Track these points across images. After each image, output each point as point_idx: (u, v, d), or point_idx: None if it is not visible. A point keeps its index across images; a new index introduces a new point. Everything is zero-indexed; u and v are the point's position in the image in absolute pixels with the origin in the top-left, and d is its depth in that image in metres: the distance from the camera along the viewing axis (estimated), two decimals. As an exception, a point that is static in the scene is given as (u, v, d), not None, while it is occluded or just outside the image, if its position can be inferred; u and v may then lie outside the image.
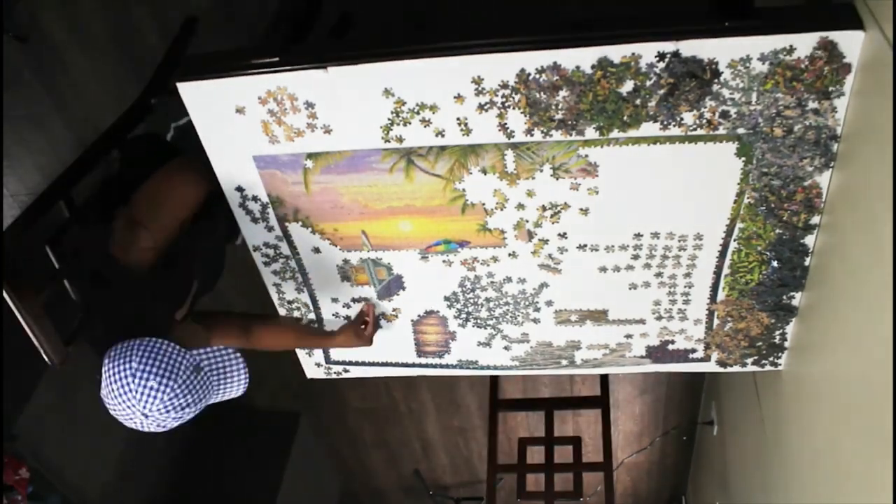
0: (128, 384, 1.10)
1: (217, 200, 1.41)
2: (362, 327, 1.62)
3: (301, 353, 1.81)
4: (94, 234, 1.28)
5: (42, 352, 1.47)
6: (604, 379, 2.89)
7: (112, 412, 1.14)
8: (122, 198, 1.29)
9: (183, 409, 1.13)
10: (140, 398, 1.09)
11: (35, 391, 2.59)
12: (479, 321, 1.64)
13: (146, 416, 1.11)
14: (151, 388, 1.09)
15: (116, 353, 1.13)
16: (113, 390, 1.11)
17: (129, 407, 1.11)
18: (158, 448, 3.43)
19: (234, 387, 1.26)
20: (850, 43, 1.05)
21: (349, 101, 1.22)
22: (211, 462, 3.50)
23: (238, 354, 1.24)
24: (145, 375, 1.10)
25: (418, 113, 1.22)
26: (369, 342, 1.64)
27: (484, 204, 1.36)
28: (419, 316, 1.66)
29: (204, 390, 1.17)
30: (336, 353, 1.79)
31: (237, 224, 1.48)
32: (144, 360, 1.10)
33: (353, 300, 1.63)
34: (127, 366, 1.10)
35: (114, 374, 1.11)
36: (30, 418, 2.57)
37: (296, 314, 1.69)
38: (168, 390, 1.10)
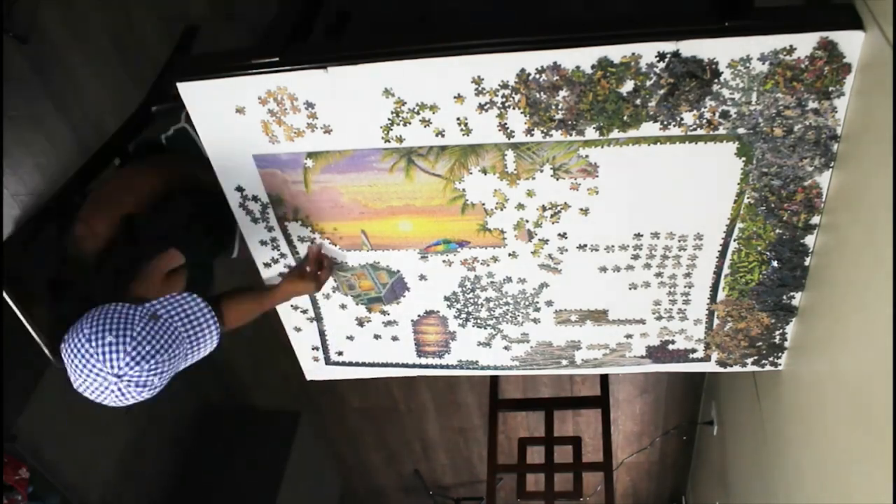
0: (86, 351, 1.04)
1: (185, 197, 1.40)
2: (307, 269, 1.51)
3: (301, 354, 1.81)
4: (52, 238, 1.29)
5: (48, 354, 1.47)
6: (604, 379, 2.89)
7: (90, 395, 1.08)
8: None
9: (153, 357, 1.06)
10: (104, 359, 1.04)
11: (35, 391, 2.59)
12: (479, 321, 1.64)
13: (120, 377, 1.04)
14: (110, 344, 1.04)
15: (67, 335, 1.08)
16: (77, 367, 1.05)
17: (97, 375, 1.05)
18: (158, 448, 3.43)
19: (206, 335, 1.17)
20: (850, 43, 1.05)
21: (349, 101, 1.22)
22: (211, 462, 3.51)
23: (197, 298, 1.16)
24: (99, 334, 1.04)
25: (418, 113, 1.22)
26: (316, 286, 1.52)
27: (484, 204, 1.36)
28: (419, 316, 1.66)
29: (169, 337, 1.10)
30: (336, 354, 1.79)
31: (230, 237, 1.48)
32: (93, 323, 1.05)
33: (353, 297, 1.64)
34: (79, 335, 1.05)
35: (71, 351, 1.06)
36: (30, 418, 2.57)
37: (297, 313, 1.69)
38: (128, 339, 1.04)
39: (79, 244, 1.22)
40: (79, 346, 1.05)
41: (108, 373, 1.04)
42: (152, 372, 1.07)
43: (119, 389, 1.06)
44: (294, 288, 1.53)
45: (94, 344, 1.04)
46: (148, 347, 1.06)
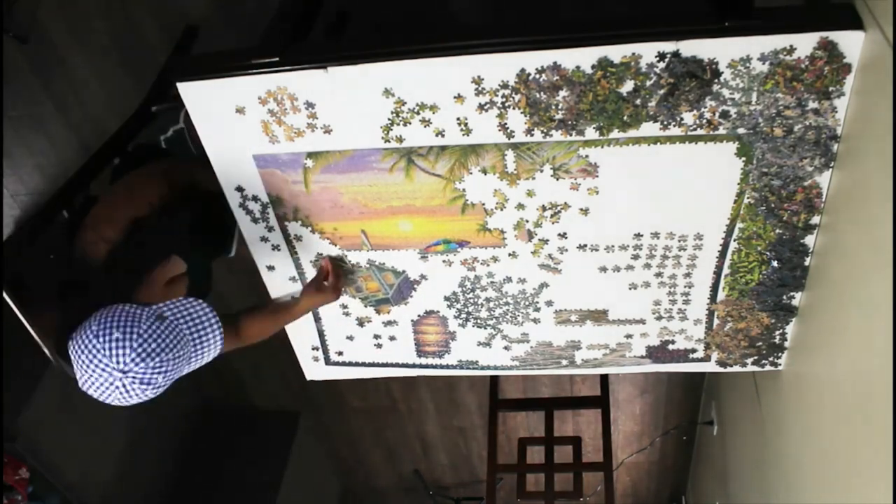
0: (93, 346, 1.07)
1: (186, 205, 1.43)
2: (325, 282, 1.56)
3: (301, 354, 1.81)
4: (61, 241, 1.31)
5: (55, 362, 1.48)
6: (604, 379, 2.89)
7: (95, 393, 1.11)
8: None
9: (157, 355, 1.09)
10: (110, 354, 1.06)
11: (35, 391, 2.59)
12: (479, 321, 1.64)
13: (125, 373, 1.07)
14: (117, 340, 1.07)
15: (76, 332, 1.11)
16: (83, 363, 1.08)
17: (103, 371, 1.07)
18: (158, 448, 3.43)
19: (210, 339, 1.19)
20: (850, 43, 1.05)
21: (349, 101, 1.22)
22: (211, 462, 3.50)
23: (203, 303, 1.19)
24: (107, 330, 1.07)
25: (418, 113, 1.22)
26: (335, 294, 1.57)
27: (484, 204, 1.36)
28: (419, 316, 1.66)
29: (174, 338, 1.12)
30: (335, 354, 1.79)
31: (229, 237, 1.49)
32: (102, 321, 1.08)
33: (361, 299, 1.63)
34: (87, 332, 1.08)
35: (78, 347, 1.09)
36: (30, 418, 2.57)
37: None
38: (135, 335, 1.07)
39: (88, 249, 1.24)
40: (86, 342, 1.08)
41: (113, 368, 1.07)
42: (157, 370, 1.09)
43: (123, 386, 1.08)
44: (313, 301, 1.58)
45: (101, 339, 1.07)
46: (153, 345, 1.08)
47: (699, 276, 1.46)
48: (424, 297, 1.60)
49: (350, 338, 1.73)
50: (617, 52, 1.11)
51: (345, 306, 1.66)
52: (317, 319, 1.69)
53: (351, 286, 1.59)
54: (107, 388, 1.09)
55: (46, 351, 1.47)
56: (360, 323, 1.69)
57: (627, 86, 1.14)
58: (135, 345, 1.07)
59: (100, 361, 1.07)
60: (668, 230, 1.38)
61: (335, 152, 1.30)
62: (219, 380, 3.61)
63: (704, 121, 1.17)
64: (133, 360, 1.07)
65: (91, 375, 1.08)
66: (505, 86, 1.17)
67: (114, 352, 1.07)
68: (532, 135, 1.23)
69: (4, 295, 1.37)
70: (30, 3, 2.04)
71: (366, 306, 1.64)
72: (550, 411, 2.89)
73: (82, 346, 1.08)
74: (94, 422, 2.91)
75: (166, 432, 3.47)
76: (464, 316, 1.63)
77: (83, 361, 1.08)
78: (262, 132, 1.28)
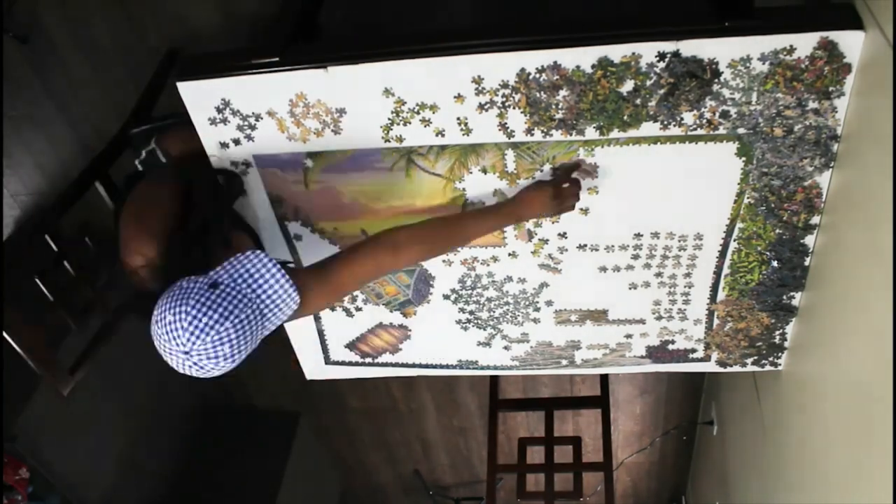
0: (155, 333, 1.06)
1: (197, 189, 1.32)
2: (565, 185, 1.27)
3: (301, 355, 1.81)
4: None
5: (49, 383, 1.49)
6: (604, 379, 2.89)
7: (184, 371, 1.09)
8: None
9: (212, 328, 1.03)
10: (170, 338, 1.04)
11: (35, 391, 2.59)
12: (479, 321, 1.64)
13: (188, 354, 1.04)
14: (170, 323, 1.03)
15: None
16: (158, 349, 1.08)
17: (171, 354, 1.06)
18: (158, 448, 3.43)
19: (276, 290, 1.10)
20: (850, 43, 1.05)
21: (349, 100, 1.22)
22: (211, 462, 3.50)
23: (260, 254, 1.10)
24: (162, 314, 1.05)
25: (418, 113, 1.22)
26: (574, 201, 1.29)
27: (484, 203, 1.36)
28: (419, 316, 1.66)
29: (231, 304, 1.06)
30: (336, 354, 1.79)
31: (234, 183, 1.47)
32: (160, 304, 1.06)
33: (384, 304, 1.64)
34: (152, 318, 1.07)
35: (152, 334, 1.08)
36: (30, 418, 2.57)
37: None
38: (184, 315, 1.03)
39: (136, 275, 1.19)
40: (152, 329, 1.06)
41: (178, 351, 1.04)
42: (219, 342, 1.04)
43: (195, 364, 1.06)
44: (543, 207, 1.26)
45: (159, 325, 1.05)
46: (206, 319, 1.03)
47: (699, 276, 1.46)
48: (424, 296, 1.60)
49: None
50: (617, 52, 1.11)
51: (347, 309, 1.66)
52: (317, 319, 1.69)
53: (370, 294, 1.59)
54: (185, 368, 1.07)
55: (33, 365, 1.48)
56: (360, 323, 1.69)
57: (627, 85, 1.14)
58: (185, 324, 1.03)
59: (164, 346, 1.05)
60: (667, 230, 1.38)
61: (335, 152, 1.30)
62: (219, 380, 3.61)
63: (704, 121, 1.18)
64: (189, 339, 1.03)
65: (168, 358, 1.07)
66: (505, 85, 1.17)
67: (171, 335, 1.03)
68: (532, 134, 1.23)
69: (5, 335, 1.38)
70: (30, 3, 2.04)
71: (391, 311, 1.63)
72: (550, 411, 2.89)
73: (152, 335, 1.07)
74: (95, 421, 2.91)
75: (166, 432, 3.47)
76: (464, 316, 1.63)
77: (157, 348, 1.07)
78: (261, 132, 1.28)
